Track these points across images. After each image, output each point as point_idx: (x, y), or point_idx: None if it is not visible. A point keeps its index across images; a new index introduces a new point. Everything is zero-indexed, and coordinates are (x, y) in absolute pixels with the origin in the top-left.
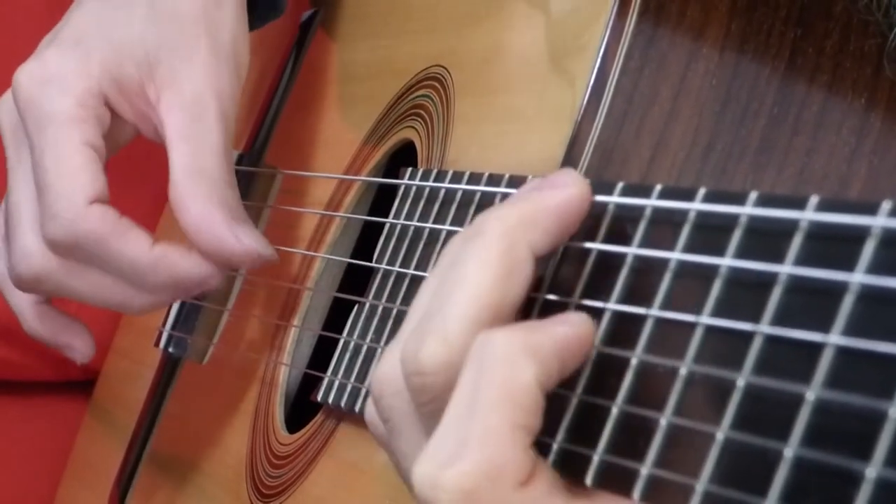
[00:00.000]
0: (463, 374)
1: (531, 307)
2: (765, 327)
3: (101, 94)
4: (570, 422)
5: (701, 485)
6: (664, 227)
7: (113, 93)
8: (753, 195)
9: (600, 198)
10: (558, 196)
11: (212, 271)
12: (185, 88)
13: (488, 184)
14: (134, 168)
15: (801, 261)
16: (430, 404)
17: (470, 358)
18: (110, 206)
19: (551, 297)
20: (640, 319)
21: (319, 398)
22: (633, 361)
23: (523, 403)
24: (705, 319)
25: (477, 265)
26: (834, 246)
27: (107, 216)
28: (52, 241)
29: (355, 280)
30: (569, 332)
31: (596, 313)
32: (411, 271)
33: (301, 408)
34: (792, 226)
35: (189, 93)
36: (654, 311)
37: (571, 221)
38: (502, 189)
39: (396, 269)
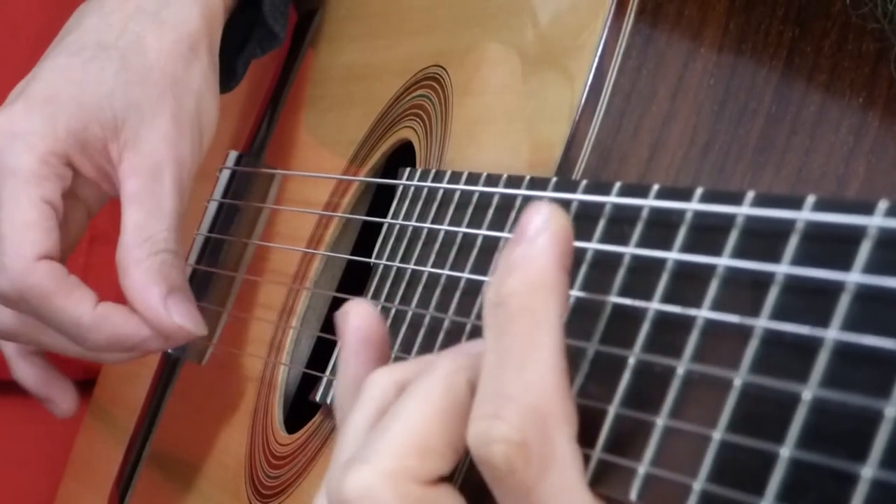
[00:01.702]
0: (486, 322)
1: None
2: (761, 327)
3: (64, 155)
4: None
5: (698, 484)
6: (661, 227)
7: (76, 153)
8: (750, 195)
9: (598, 198)
10: None
11: (151, 335)
12: (145, 153)
13: (486, 184)
14: None
15: (798, 260)
16: None
17: (486, 305)
18: (58, 263)
19: None
20: (638, 319)
21: (318, 398)
22: (631, 361)
23: (557, 341)
24: (702, 319)
25: (417, 399)
26: (830, 246)
27: (53, 273)
28: (3, 297)
29: (354, 281)
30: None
31: (593, 312)
32: (411, 266)
33: (300, 408)
34: (788, 226)
35: (148, 158)
36: (652, 311)
37: None
38: (500, 189)
39: (396, 264)
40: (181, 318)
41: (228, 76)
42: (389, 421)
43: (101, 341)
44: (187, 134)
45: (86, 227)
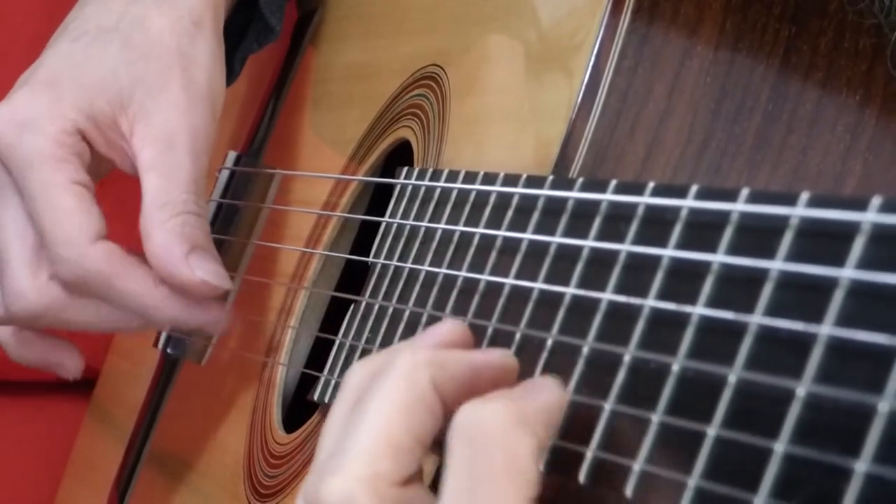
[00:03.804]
0: (453, 453)
1: (526, 299)
2: (756, 323)
3: (76, 131)
4: (563, 419)
5: (693, 480)
6: (657, 224)
7: (89, 128)
8: (745, 192)
9: (594, 195)
10: (480, 356)
11: (212, 319)
12: (157, 123)
13: (484, 183)
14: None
15: (792, 257)
16: None
17: (457, 433)
18: (113, 243)
19: (545, 287)
20: (633, 316)
21: (316, 398)
22: (627, 358)
23: (529, 477)
24: (697, 315)
25: (381, 400)
26: (824, 242)
27: (112, 255)
28: (64, 282)
29: (352, 280)
30: (551, 398)
31: (589, 310)
32: (408, 265)
33: (298, 407)
34: (783, 222)
35: (161, 127)
36: (647, 308)
37: (483, 381)
38: (497, 188)
39: (394, 263)
40: (204, 272)
41: (226, 73)
42: (357, 424)
43: (163, 320)
44: (198, 104)
45: None
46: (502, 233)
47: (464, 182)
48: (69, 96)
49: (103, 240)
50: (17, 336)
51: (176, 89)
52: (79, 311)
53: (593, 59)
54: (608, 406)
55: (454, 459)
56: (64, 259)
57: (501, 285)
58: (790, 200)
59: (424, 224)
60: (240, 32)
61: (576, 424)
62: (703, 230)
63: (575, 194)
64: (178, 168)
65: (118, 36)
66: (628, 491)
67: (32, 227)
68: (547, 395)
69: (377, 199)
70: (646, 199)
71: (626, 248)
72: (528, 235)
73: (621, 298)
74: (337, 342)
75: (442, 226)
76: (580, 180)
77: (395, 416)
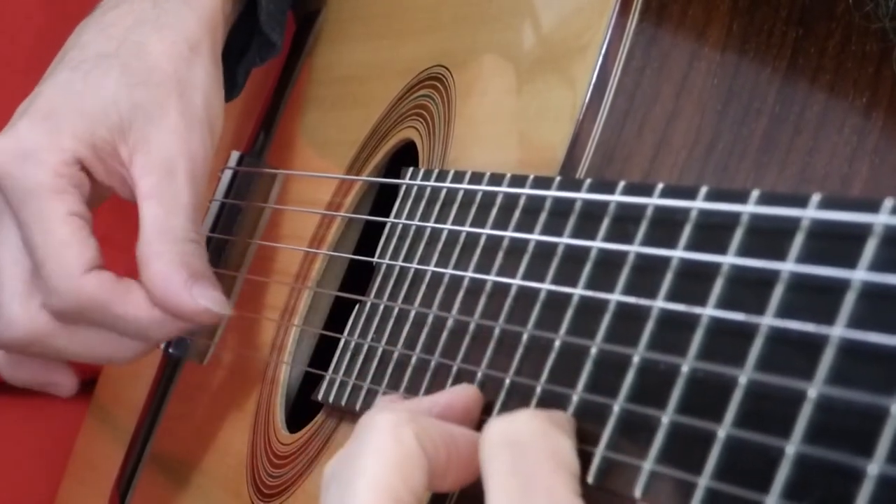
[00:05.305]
0: (492, 463)
1: (534, 300)
2: (767, 324)
3: (76, 161)
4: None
5: (703, 480)
6: (666, 226)
7: (88, 157)
8: (755, 193)
9: (602, 197)
10: (456, 429)
11: (203, 309)
12: (156, 150)
13: (490, 183)
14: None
15: (803, 258)
16: None
17: (492, 444)
18: (106, 271)
19: (553, 287)
20: (642, 317)
21: (320, 397)
22: (636, 359)
23: (574, 471)
24: (707, 317)
25: (373, 456)
26: (836, 243)
27: (105, 282)
28: (59, 312)
29: (356, 280)
30: (568, 416)
31: (597, 310)
32: (414, 265)
33: (302, 407)
34: (794, 223)
35: (160, 155)
36: (656, 309)
37: (459, 443)
38: (503, 189)
39: (399, 263)
40: (205, 299)
41: (230, 85)
42: (352, 482)
43: (164, 336)
44: (196, 129)
45: None
46: (509, 233)
47: (470, 182)
48: (69, 126)
49: (97, 269)
50: (10, 357)
51: (174, 115)
52: (68, 341)
53: (601, 59)
54: (617, 406)
55: (496, 467)
56: (58, 290)
57: (508, 286)
58: (801, 202)
59: (430, 224)
60: (242, 46)
61: (585, 424)
62: (713, 231)
63: (583, 195)
64: (178, 196)
65: (117, 62)
66: (637, 491)
67: (27, 255)
68: (563, 413)
69: (382, 199)
70: (655, 201)
71: (634, 249)
72: (535, 236)
73: (630, 299)
74: (342, 341)
75: (448, 226)
76: (588, 181)
77: (391, 472)
